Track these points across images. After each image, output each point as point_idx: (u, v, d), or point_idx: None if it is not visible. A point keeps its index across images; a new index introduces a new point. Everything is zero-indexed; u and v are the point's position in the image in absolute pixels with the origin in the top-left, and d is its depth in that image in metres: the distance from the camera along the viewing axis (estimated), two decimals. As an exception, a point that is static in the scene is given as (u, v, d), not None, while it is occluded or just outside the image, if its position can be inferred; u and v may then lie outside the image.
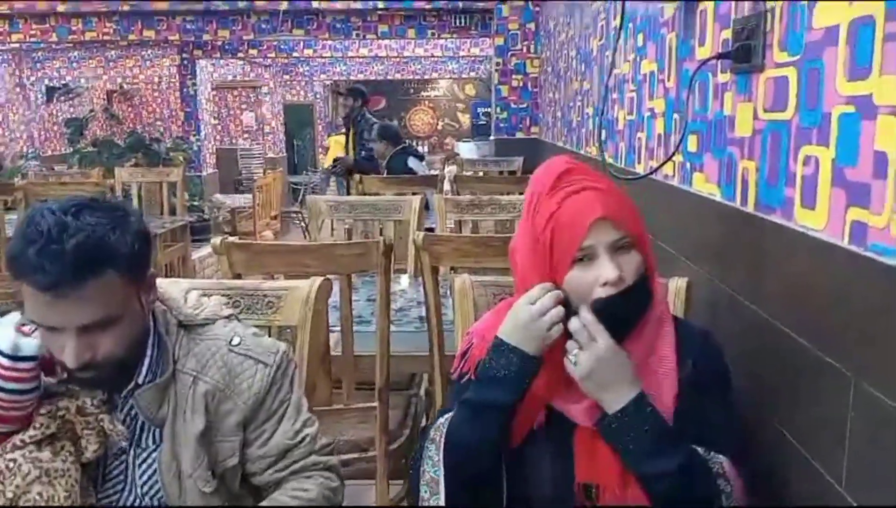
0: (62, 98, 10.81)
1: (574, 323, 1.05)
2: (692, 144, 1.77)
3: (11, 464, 1.05)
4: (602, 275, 1.05)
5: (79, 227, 1.02)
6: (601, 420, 1.06)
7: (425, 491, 1.13)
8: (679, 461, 1.03)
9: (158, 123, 12.53)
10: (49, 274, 0.99)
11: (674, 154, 1.69)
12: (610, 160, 2.77)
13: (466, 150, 8.17)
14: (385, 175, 5.27)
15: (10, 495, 1.03)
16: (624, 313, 1.07)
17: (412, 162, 5.44)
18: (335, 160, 6.55)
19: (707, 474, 1.05)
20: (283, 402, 1.23)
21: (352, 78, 14.17)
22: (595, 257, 1.06)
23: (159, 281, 1.23)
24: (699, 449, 1.07)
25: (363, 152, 5.83)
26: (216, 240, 2.04)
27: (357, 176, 4.65)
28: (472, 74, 13.77)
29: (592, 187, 1.08)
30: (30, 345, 1.06)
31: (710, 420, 1.10)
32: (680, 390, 1.09)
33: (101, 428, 1.11)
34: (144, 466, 1.19)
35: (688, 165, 1.81)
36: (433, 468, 1.12)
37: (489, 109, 8.83)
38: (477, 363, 1.14)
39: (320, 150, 13.13)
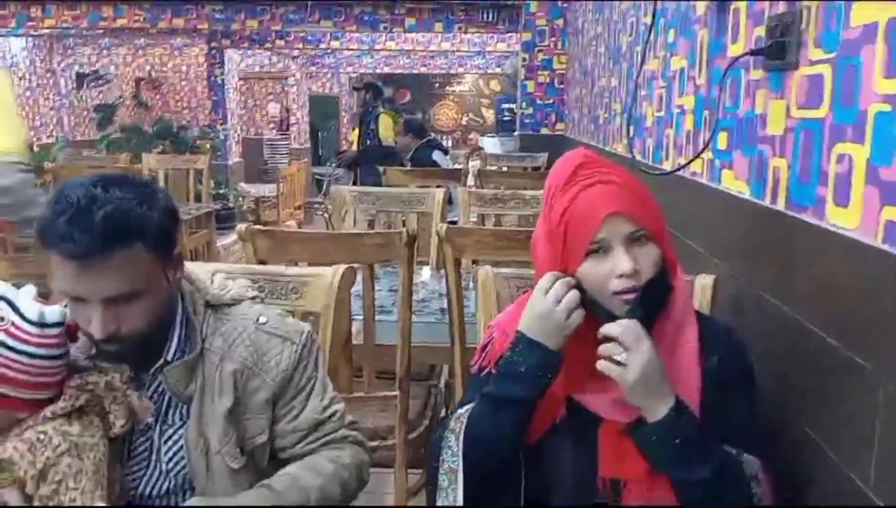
0: (92, 84, 10.92)
1: (613, 328, 1.04)
2: (722, 141, 1.76)
3: (42, 436, 1.07)
4: (618, 267, 1.05)
5: (107, 199, 1.05)
6: (637, 427, 1.05)
7: (444, 480, 1.13)
8: (715, 466, 1.02)
9: (186, 111, 12.63)
10: (78, 243, 1.01)
11: (703, 151, 1.68)
12: (638, 157, 2.76)
13: (490, 145, 8.15)
14: (409, 168, 5.29)
15: (40, 466, 1.05)
16: (644, 308, 1.07)
17: (436, 155, 5.44)
18: (339, 153, 6.61)
19: (741, 477, 1.05)
20: (311, 379, 1.25)
21: (378, 71, 14.19)
22: (610, 250, 1.06)
23: (186, 263, 1.25)
24: (731, 451, 1.06)
25: (368, 142, 5.81)
26: (241, 226, 2.06)
27: (359, 167, 4.64)
28: (498, 69, 13.73)
29: (607, 181, 1.08)
30: (54, 313, 1.08)
31: (734, 417, 1.09)
32: (703, 386, 1.09)
33: (128, 403, 1.12)
34: (170, 443, 1.21)
35: (717, 162, 1.80)
36: (452, 458, 1.12)
37: (513, 106, 8.81)
38: (498, 357, 1.14)
39: (344, 142, 13.15)
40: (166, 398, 1.20)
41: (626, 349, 1.02)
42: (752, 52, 1.49)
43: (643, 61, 2.69)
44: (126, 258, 1.05)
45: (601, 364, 1.04)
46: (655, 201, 1.11)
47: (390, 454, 2.15)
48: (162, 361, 1.18)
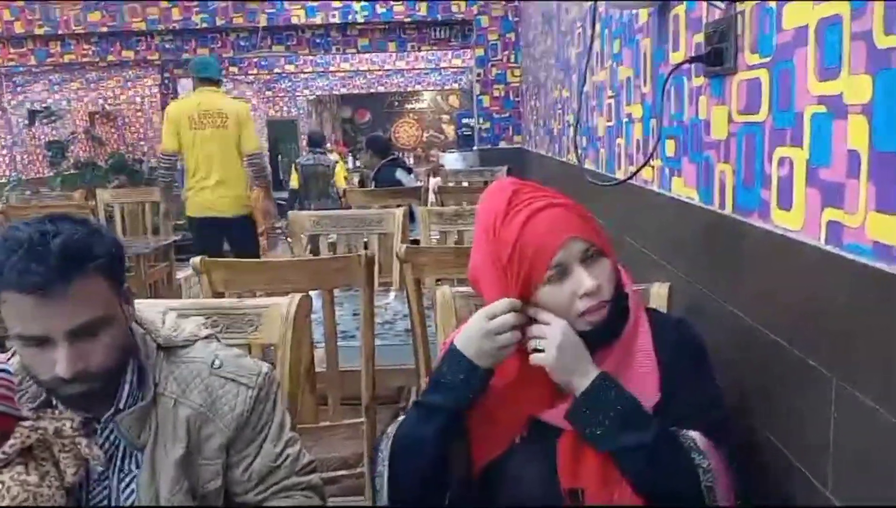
0: (44, 121, 10.74)
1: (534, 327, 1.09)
2: (670, 148, 1.77)
3: (0, 486, 1.04)
4: (581, 286, 1.06)
5: (59, 230, 1.04)
6: (571, 409, 1.07)
7: (377, 483, 1.15)
8: (653, 432, 1.04)
9: (142, 143, 12.48)
10: (35, 274, 0.99)
11: (649, 160, 1.69)
12: (591, 166, 2.78)
13: (451, 161, 8.16)
14: (373, 187, 5.27)
15: None
16: (610, 330, 1.11)
17: (400, 174, 5.43)
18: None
19: (679, 447, 1.05)
20: (266, 424, 1.21)
21: (335, 92, 14.19)
22: (568, 271, 1.07)
23: (136, 303, 1.22)
24: (672, 429, 1.07)
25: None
26: (196, 259, 2.02)
27: (342, 189, 4.66)
28: (455, 85, 13.82)
29: (554, 204, 1.10)
30: None
31: (692, 401, 1.11)
32: (661, 380, 1.11)
33: (77, 452, 1.09)
34: (128, 491, 1.17)
35: (666, 169, 1.81)
36: (382, 462, 1.15)
37: (472, 121, 8.85)
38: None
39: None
40: (122, 445, 1.16)
41: (541, 337, 1.07)
42: (692, 60, 1.51)
43: (586, 71, 2.71)
44: (85, 285, 1.04)
45: (531, 359, 1.08)
46: (594, 216, 1.15)
47: (360, 482, 2.12)
48: (114, 409, 1.14)
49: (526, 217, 1.08)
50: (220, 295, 2.00)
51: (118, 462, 1.16)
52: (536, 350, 1.08)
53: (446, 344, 1.21)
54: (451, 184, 5.29)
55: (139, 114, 12.69)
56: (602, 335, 1.10)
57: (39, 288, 1.00)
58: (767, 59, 1.23)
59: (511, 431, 1.12)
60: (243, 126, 4.29)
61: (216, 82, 4.46)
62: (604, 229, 1.15)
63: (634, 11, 2.08)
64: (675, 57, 1.70)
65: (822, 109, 1.05)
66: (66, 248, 1.02)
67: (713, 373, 1.16)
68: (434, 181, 5.98)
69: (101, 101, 12.27)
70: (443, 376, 1.11)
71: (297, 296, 1.54)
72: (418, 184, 5.52)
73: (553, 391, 1.10)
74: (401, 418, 1.18)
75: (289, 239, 3.78)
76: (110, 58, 6.81)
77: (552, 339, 1.06)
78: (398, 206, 3.57)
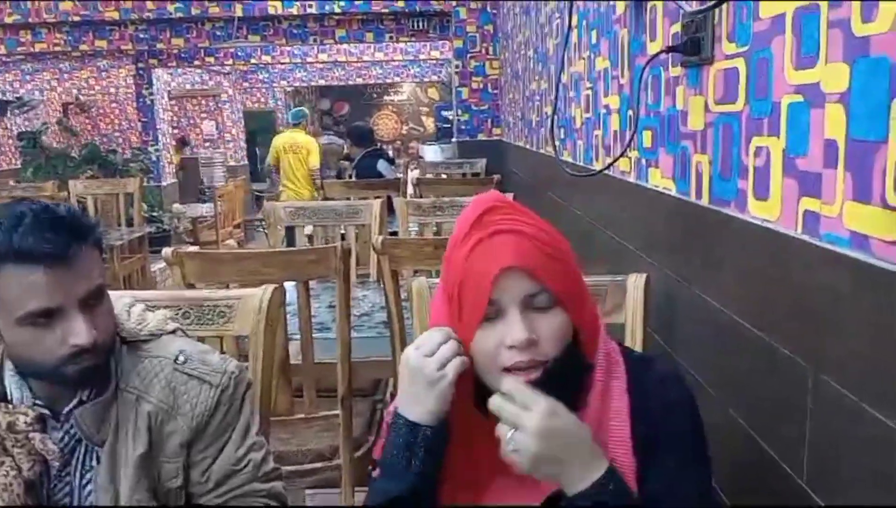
0: (16, 111, 10.53)
1: (495, 400, 0.84)
2: (647, 139, 1.77)
3: None
4: (507, 335, 0.85)
5: (55, 203, 1.08)
6: (552, 503, 0.86)
7: None
8: None
9: (117, 134, 12.30)
10: (49, 241, 1.00)
11: (625, 151, 1.69)
12: (568, 158, 2.77)
13: (430, 153, 8.14)
14: (353, 178, 5.23)
15: None
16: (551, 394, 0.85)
17: (381, 165, 5.40)
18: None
19: None
20: (229, 426, 1.18)
21: (313, 84, 14.08)
22: (503, 315, 0.87)
23: None
24: None
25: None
26: (168, 250, 1.98)
27: (319, 181, 4.66)
28: (435, 77, 13.76)
29: (508, 230, 0.87)
30: None
31: (676, 489, 0.89)
32: (639, 465, 0.89)
33: (31, 447, 1.06)
34: (89, 488, 1.14)
35: (643, 160, 1.81)
36: None
37: (451, 113, 8.82)
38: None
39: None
40: (82, 441, 1.13)
41: (512, 427, 0.82)
42: (669, 49, 1.50)
43: (564, 62, 2.70)
44: (89, 255, 1.06)
45: (504, 454, 0.83)
46: (571, 260, 0.92)
47: (335, 474, 2.10)
48: (76, 401, 1.11)
49: (476, 241, 0.88)
50: (192, 287, 1.97)
51: (80, 458, 1.13)
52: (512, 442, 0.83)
53: (389, 412, 0.98)
54: (429, 176, 5.27)
55: (114, 105, 12.50)
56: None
57: (56, 255, 1.00)
58: (745, 49, 1.22)
59: None
60: (310, 152, 6.75)
61: (298, 125, 7.04)
62: (575, 277, 0.93)
63: (612, 2, 2.07)
64: (653, 47, 1.70)
65: (799, 98, 1.04)
66: (72, 216, 1.05)
67: (703, 452, 0.93)
68: (413, 174, 5.95)
69: (74, 91, 12.07)
70: (387, 454, 0.91)
71: (270, 287, 1.51)
72: (398, 176, 5.50)
73: (516, 485, 0.89)
74: None
75: (266, 231, 3.77)
76: (83, 47, 6.68)
77: (529, 431, 0.81)
78: (376, 198, 3.55)
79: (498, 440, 0.85)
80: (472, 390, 0.91)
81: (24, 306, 1.01)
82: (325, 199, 4.08)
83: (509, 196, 3.07)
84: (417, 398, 0.89)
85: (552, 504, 0.88)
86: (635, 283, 1.48)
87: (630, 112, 1.91)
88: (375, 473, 0.95)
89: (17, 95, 10.68)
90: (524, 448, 0.81)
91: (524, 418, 0.81)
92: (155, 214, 7.56)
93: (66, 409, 1.11)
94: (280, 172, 6.82)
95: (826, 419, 0.97)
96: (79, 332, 1.03)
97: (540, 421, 0.81)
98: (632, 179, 1.91)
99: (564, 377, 0.88)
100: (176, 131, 11.84)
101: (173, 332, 1.23)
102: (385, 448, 0.92)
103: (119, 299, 1.30)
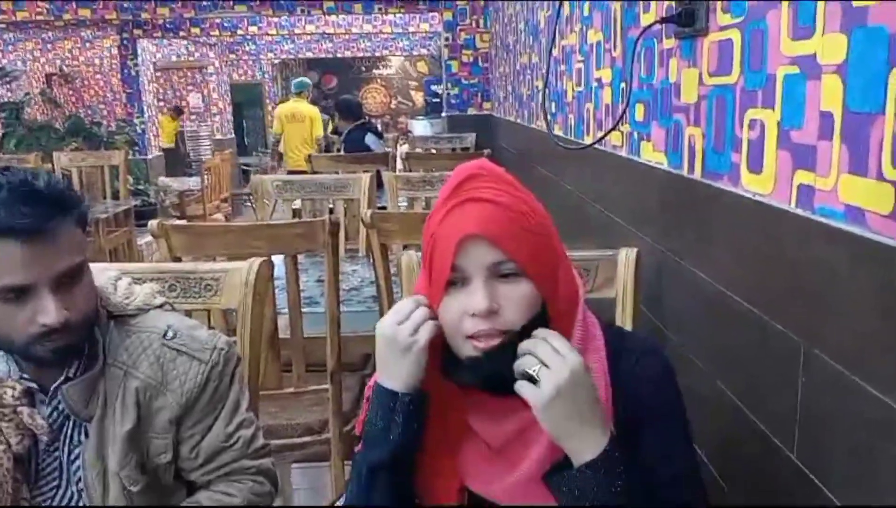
0: (-1, 82, 10.37)
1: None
2: (639, 113, 1.75)
3: None
4: (470, 304, 0.84)
5: (35, 174, 1.01)
6: (557, 471, 0.84)
7: None
8: None
9: (101, 105, 12.13)
10: (27, 215, 0.96)
11: (617, 124, 1.67)
12: (559, 133, 2.75)
13: (420, 128, 8.11)
14: (342, 151, 5.19)
15: None
16: (498, 369, 0.84)
17: (370, 139, 5.35)
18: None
19: None
20: (219, 402, 1.16)
21: (300, 56, 13.92)
22: (468, 282, 0.86)
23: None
24: None
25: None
26: (153, 222, 1.96)
27: (307, 154, 4.61)
28: (424, 50, 13.63)
29: (480, 199, 0.86)
30: None
31: (660, 472, 0.88)
32: (618, 429, 0.86)
33: (20, 421, 1.04)
34: (78, 462, 1.13)
35: (635, 134, 1.79)
36: None
37: (441, 87, 8.76)
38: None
39: (270, 130, 12.90)
40: (70, 416, 1.12)
41: (542, 363, 0.81)
42: (663, 20, 1.48)
43: (554, 36, 2.67)
44: (68, 230, 1.02)
45: (517, 385, 0.83)
46: (547, 232, 0.89)
47: (324, 448, 2.10)
48: (63, 377, 1.09)
49: (449, 208, 0.87)
50: (180, 261, 1.95)
51: (68, 433, 1.12)
52: (528, 378, 0.82)
53: (370, 387, 0.98)
54: (419, 151, 5.23)
55: (99, 76, 12.31)
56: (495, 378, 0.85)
57: (31, 230, 0.96)
58: (740, 20, 1.20)
59: (444, 502, 0.92)
60: (313, 121, 7.02)
61: (301, 94, 7.23)
62: (548, 251, 0.89)
63: (605, -28, 2.04)
64: (646, 19, 1.67)
65: (795, 69, 1.03)
66: (52, 190, 1.00)
67: (683, 426, 0.92)
68: (402, 148, 5.91)
69: (58, 62, 11.88)
70: (369, 423, 0.92)
71: (258, 260, 1.49)
72: (387, 150, 5.46)
73: (489, 456, 0.89)
74: (349, 486, 0.98)
75: (253, 205, 3.74)
76: (66, 16, 6.56)
77: (556, 372, 0.80)
78: (365, 172, 3.51)
79: (468, 408, 0.88)
80: (440, 356, 0.90)
81: None
82: (314, 173, 4.04)
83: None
84: (393, 365, 0.89)
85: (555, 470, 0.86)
86: (626, 257, 1.47)
87: (622, 85, 1.89)
88: (358, 448, 0.95)
89: (0, 66, 10.50)
90: (544, 388, 0.80)
91: (556, 361, 0.81)
92: (141, 187, 7.48)
93: (54, 385, 1.09)
94: (283, 141, 7.05)
95: (818, 393, 0.97)
96: (48, 311, 0.99)
97: (567, 374, 0.80)
98: (623, 153, 1.89)
99: (511, 349, 0.85)
100: (162, 104, 11.70)
101: (161, 306, 1.21)
102: (366, 419, 0.93)
103: (104, 272, 1.28)
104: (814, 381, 0.98)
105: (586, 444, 0.82)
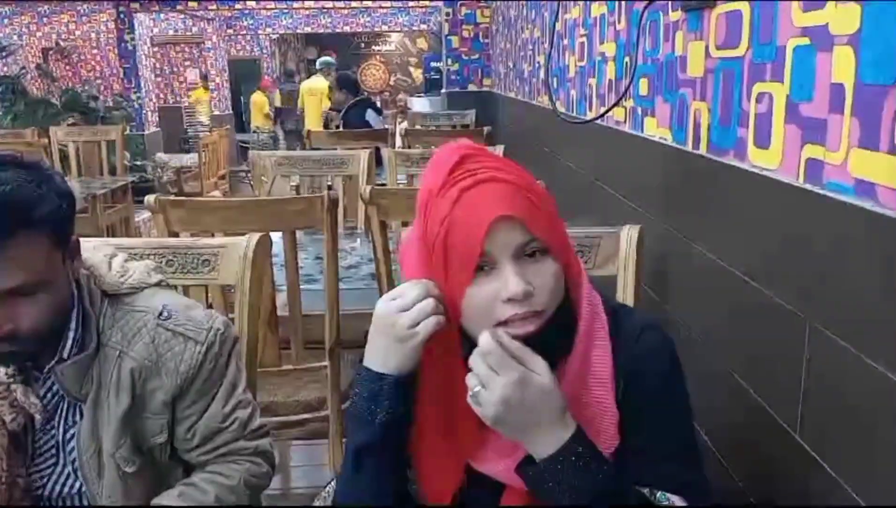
0: (-6, 56, 10.27)
1: (474, 354, 0.81)
2: (643, 87, 1.72)
3: None
4: (505, 288, 0.81)
5: (4, 179, 0.94)
6: (524, 467, 0.84)
7: None
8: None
9: (98, 81, 12.02)
10: None
11: (621, 98, 1.64)
12: (561, 109, 2.72)
13: (419, 105, 8.03)
14: (341, 127, 5.15)
15: None
16: (547, 343, 0.83)
17: (370, 115, 5.30)
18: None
19: None
20: (215, 383, 1.15)
21: (299, 31, 13.80)
22: (496, 266, 0.83)
23: (82, 243, 1.14)
24: (644, 491, 0.86)
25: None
26: (150, 197, 1.93)
27: (306, 131, 4.58)
28: (424, 26, 13.51)
29: (492, 179, 0.83)
30: None
31: (658, 448, 0.88)
32: (622, 419, 0.87)
33: (13, 399, 1.03)
34: (74, 442, 1.12)
35: (639, 109, 1.76)
36: None
37: (440, 64, 8.69)
38: None
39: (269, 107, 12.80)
40: (66, 397, 1.10)
41: (479, 383, 0.80)
42: (670, -7, 1.45)
43: (557, 10, 2.63)
44: (25, 246, 0.95)
45: (468, 399, 0.81)
46: (554, 208, 0.89)
47: (323, 425, 2.09)
48: (57, 358, 1.07)
49: (459, 191, 0.83)
50: (175, 236, 1.93)
51: (63, 412, 1.11)
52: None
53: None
54: (418, 127, 5.19)
55: (95, 51, 12.20)
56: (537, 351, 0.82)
57: None
58: (749, -10, 1.17)
59: (449, 483, 0.91)
60: (323, 95, 7.65)
61: (321, 71, 7.92)
62: (562, 225, 0.89)
63: (610, -56, 2.00)
64: (652, -9, 1.64)
65: (806, 41, 1.00)
66: (10, 201, 0.93)
67: (684, 400, 0.91)
68: (402, 125, 5.87)
69: (54, 36, 11.77)
70: (354, 404, 0.88)
71: (256, 235, 1.47)
72: (386, 126, 5.41)
73: (494, 434, 0.86)
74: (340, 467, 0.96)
75: (251, 182, 3.71)
76: (61, -11, 6.47)
77: (496, 388, 0.78)
78: (364, 148, 3.48)
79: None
80: (459, 341, 0.87)
81: None
82: (312, 149, 4.01)
83: (499, 148, 3.03)
84: (385, 351, 0.86)
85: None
86: (628, 234, 1.45)
87: (626, 59, 1.86)
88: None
89: (-5, 40, 10.40)
90: (485, 408, 0.80)
91: (492, 381, 0.79)
92: (138, 162, 7.44)
93: (48, 366, 1.08)
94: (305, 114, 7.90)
95: (823, 370, 0.96)
96: None
97: (503, 390, 0.78)
98: (626, 128, 1.87)
99: (557, 329, 0.85)
100: (159, 80, 11.60)
101: (157, 284, 1.19)
102: (352, 399, 0.90)
103: (100, 248, 1.25)
104: (819, 358, 0.97)
105: (542, 444, 0.81)
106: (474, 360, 0.81)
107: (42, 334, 1.02)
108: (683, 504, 0.85)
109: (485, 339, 0.81)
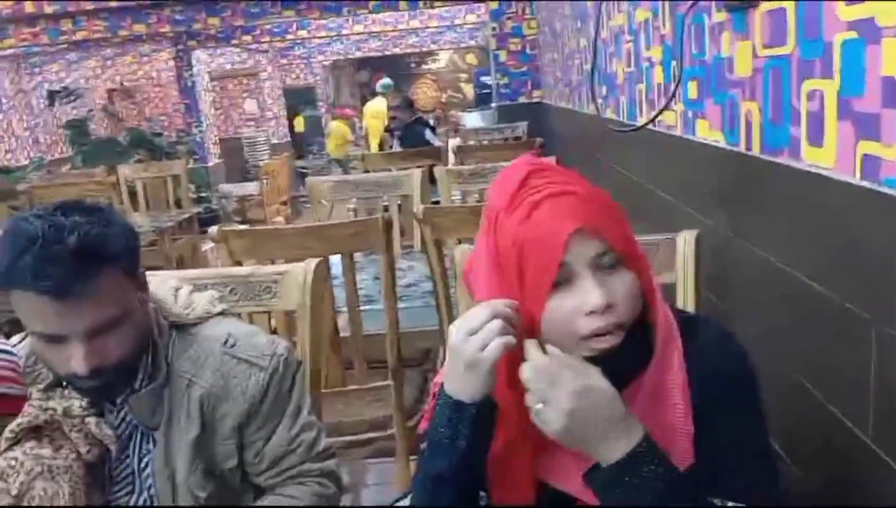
0: (64, 101, 10.77)
1: (525, 370, 0.81)
2: (692, 90, 1.70)
3: (14, 462, 1.03)
4: (586, 302, 0.81)
5: (74, 225, 0.98)
6: (592, 474, 0.82)
7: None
8: None
9: (162, 117, 12.49)
10: (51, 277, 0.95)
11: (669, 102, 1.63)
12: (611, 116, 2.70)
13: (471, 120, 8.07)
14: (398, 148, 5.22)
15: (14, 492, 1.02)
16: (619, 369, 0.82)
17: (428, 134, 5.37)
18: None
19: None
20: (280, 408, 1.18)
21: (350, 56, 14.05)
22: (574, 279, 0.82)
23: (149, 276, 1.19)
24: (716, 501, 0.84)
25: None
26: (213, 229, 2.01)
27: (360, 154, 4.67)
28: (472, 42, 13.59)
29: (563, 193, 0.83)
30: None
31: (732, 462, 0.86)
32: (696, 432, 0.85)
33: (87, 431, 1.08)
34: (148, 469, 1.16)
35: (689, 113, 1.74)
36: None
37: (490, 78, 8.72)
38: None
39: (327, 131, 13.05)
40: (139, 426, 1.15)
41: (540, 400, 0.79)
42: (713, -6, 1.43)
43: (601, 18, 2.62)
44: (104, 284, 0.99)
45: (533, 416, 0.81)
46: (625, 217, 0.88)
47: (390, 444, 2.12)
48: (130, 389, 1.12)
49: (530, 207, 0.83)
50: (239, 264, 1.99)
51: (137, 442, 1.15)
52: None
53: (436, 384, 0.95)
54: (471, 143, 5.21)
55: (157, 89, 12.69)
56: (612, 367, 0.82)
57: (57, 292, 0.95)
58: (793, -13, 1.15)
59: (518, 499, 0.90)
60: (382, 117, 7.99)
61: (384, 95, 8.49)
62: (633, 234, 0.88)
63: (651, -51, 1.99)
64: (695, -7, 1.62)
65: (854, 34, 0.98)
66: (82, 247, 0.97)
67: (759, 408, 0.89)
68: (454, 142, 5.91)
69: (118, 77, 12.28)
70: (433, 431, 0.88)
71: (313, 261, 1.50)
72: (438, 144, 5.46)
73: (565, 449, 0.85)
74: (411, 491, 0.96)
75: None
76: (122, 32, 6.77)
77: (556, 403, 0.78)
78: (418, 168, 3.52)
79: None
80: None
81: (32, 325, 1.01)
82: (366, 171, 4.07)
83: (551, 159, 3.02)
84: (459, 376, 0.85)
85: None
86: (685, 240, 1.43)
87: (674, 63, 1.84)
88: (423, 446, 0.93)
89: (64, 85, 10.91)
90: (550, 424, 0.79)
91: (551, 396, 0.79)
92: (203, 194, 7.68)
93: (120, 398, 1.13)
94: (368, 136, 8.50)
95: (892, 373, 0.93)
96: (77, 362, 1.00)
97: (565, 403, 0.78)
98: (678, 132, 1.84)
99: (633, 341, 0.84)
100: (219, 112, 11.92)
101: (221, 313, 1.23)
102: (431, 423, 0.89)
103: (164, 282, 1.31)
104: (887, 360, 0.94)
105: (610, 450, 0.80)
106: (527, 378, 0.80)
107: (126, 365, 1.07)
108: None
109: (533, 354, 0.81)
